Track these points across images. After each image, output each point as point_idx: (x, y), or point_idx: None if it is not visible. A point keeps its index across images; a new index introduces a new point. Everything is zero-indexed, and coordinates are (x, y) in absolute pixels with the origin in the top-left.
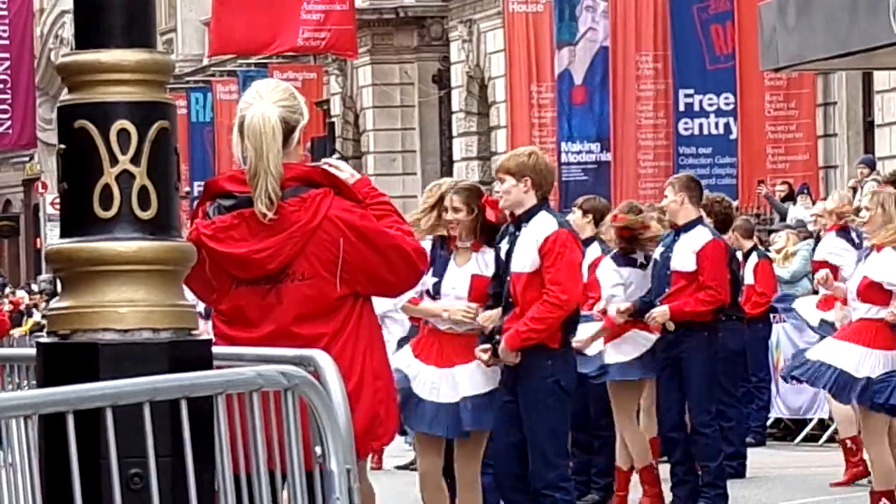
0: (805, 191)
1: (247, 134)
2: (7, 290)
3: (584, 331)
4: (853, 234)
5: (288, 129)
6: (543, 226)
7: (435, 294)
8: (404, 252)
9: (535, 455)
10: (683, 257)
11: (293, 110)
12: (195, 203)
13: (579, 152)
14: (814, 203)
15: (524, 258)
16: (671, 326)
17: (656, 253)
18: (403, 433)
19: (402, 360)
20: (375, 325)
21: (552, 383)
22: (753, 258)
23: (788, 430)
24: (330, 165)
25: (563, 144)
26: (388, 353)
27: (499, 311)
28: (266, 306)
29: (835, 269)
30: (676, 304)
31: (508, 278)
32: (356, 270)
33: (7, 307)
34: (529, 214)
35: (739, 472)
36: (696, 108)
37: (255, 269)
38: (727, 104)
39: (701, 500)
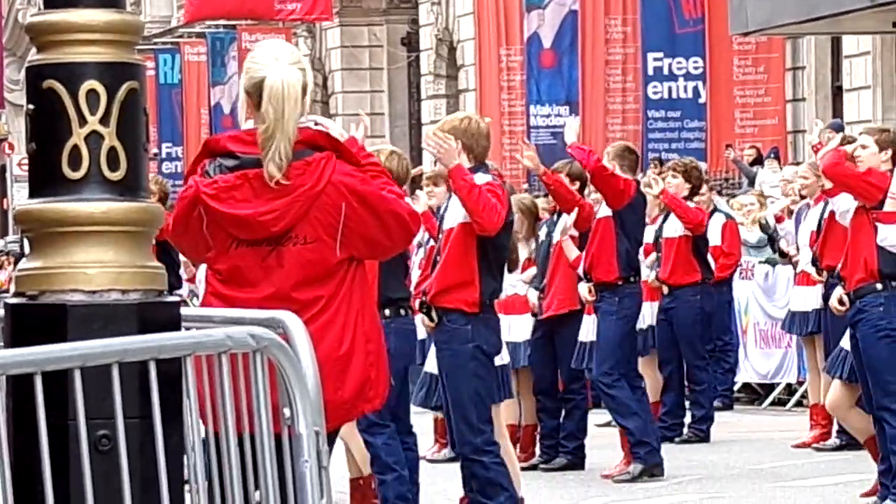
0: (773, 155)
1: (268, 97)
2: None
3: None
4: None
5: (303, 94)
6: (479, 180)
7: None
8: (401, 216)
9: (458, 421)
10: (601, 211)
11: (305, 75)
12: (190, 161)
13: (548, 115)
14: (781, 167)
15: (455, 213)
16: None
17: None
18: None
19: None
20: (367, 289)
21: (473, 348)
22: (720, 218)
23: (756, 395)
24: (317, 123)
25: (531, 108)
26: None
27: None
28: (266, 268)
29: None
30: None
31: (441, 236)
32: (355, 235)
33: None
34: None
35: (705, 436)
36: (665, 71)
37: (258, 231)
38: (696, 68)
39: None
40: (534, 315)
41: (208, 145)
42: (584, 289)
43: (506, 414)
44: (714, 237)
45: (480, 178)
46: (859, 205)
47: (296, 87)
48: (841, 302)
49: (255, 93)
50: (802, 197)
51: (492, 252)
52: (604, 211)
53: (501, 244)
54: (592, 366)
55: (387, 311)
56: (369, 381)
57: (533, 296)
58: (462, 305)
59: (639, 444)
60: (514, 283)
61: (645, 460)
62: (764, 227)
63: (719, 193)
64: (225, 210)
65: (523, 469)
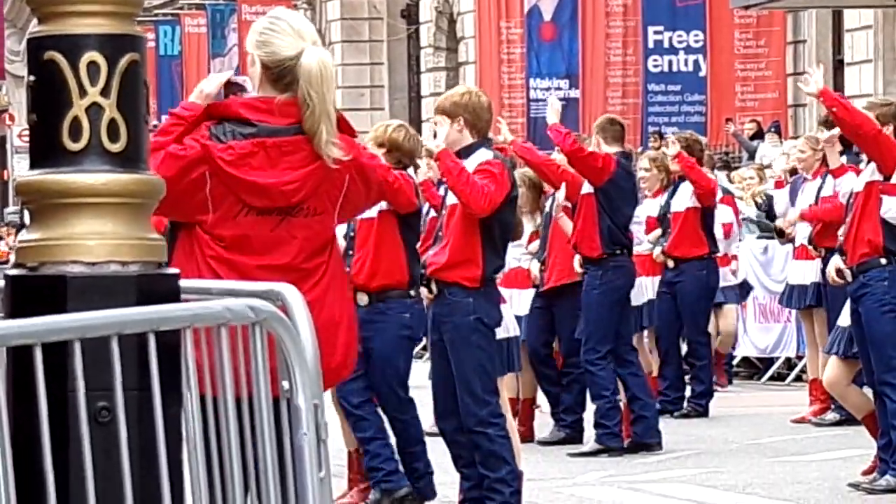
0: (774, 129)
1: (308, 80)
2: None
3: None
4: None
5: None
6: (480, 157)
7: None
8: (382, 187)
9: (464, 393)
10: (584, 188)
11: None
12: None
13: (548, 89)
14: (782, 141)
15: None
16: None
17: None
18: None
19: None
20: (340, 258)
21: (474, 321)
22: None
23: (755, 369)
24: (240, 83)
25: (531, 81)
26: None
27: None
28: (275, 237)
29: None
30: None
31: (444, 212)
32: (349, 205)
33: None
34: (468, 151)
35: (704, 411)
36: (666, 45)
37: (277, 200)
38: (696, 41)
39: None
40: (535, 287)
41: (218, 109)
42: (576, 262)
43: (507, 387)
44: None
45: (482, 155)
46: (868, 180)
47: (331, 67)
48: (839, 273)
49: (277, 69)
50: (793, 172)
51: (496, 229)
52: (586, 187)
53: (505, 221)
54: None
55: (412, 292)
56: (353, 346)
57: (535, 268)
58: (464, 281)
59: (598, 424)
60: (518, 257)
61: (601, 440)
62: (759, 206)
63: (721, 168)
64: (243, 177)
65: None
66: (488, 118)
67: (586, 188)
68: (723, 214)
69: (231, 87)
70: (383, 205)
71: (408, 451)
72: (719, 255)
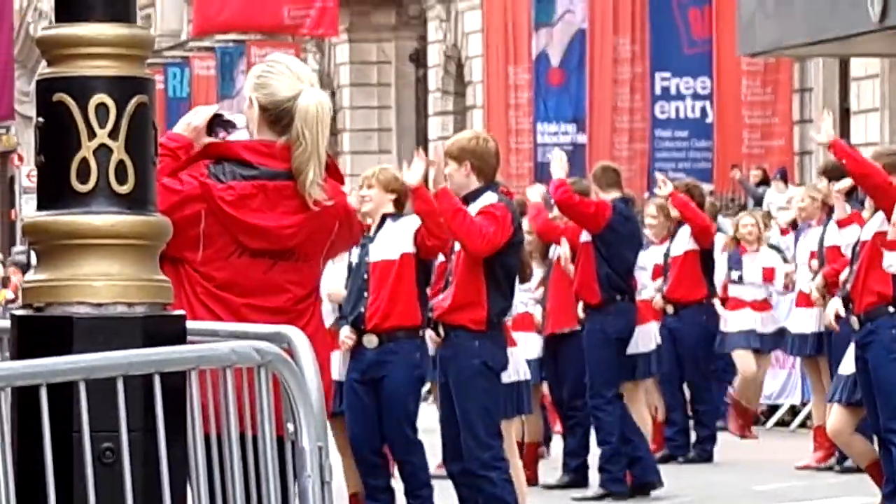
0: (780, 176)
1: (304, 120)
2: None
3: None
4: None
5: None
6: (485, 201)
7: None
8: (359, 232)
9: (467, 436)
10: (582, 235)
11: None
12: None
13: (555, 133)
14: (788, 188)
15: None
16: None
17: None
18: None
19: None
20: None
21: (479, 364)
22: (721, 239)
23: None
24: (228, 121)
25: (539, 125)
26: None
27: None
28: (267, 280)
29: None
30: None
31: (453, 256)
32: (333, 250)
33: None
34: (475, 195)
35: (709, 456)
36: (673, 91)
37: (274, 243)
38: (704, 88)
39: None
40: (538, 332)
41: (218, 149)
42: (579, 308)
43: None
44: (720, 260)
45: (488, 198)
46: (877, 230)
47: (328, 110)
48: (837, 317)
49: (275, 110)
50: (794, 226)
51: (499, 271)
52: (585, 235)
53: (509, 263)
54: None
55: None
56: (331, 389)
57: (538, 313)
58: (469, 324)
59: (602, 469)
60: (526, 301)
61: (605, 485)
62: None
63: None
64: (243, 218)
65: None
66: (495, 163)
67: (585, 236)
68: (767, 258)
69: (218, 122)
70: (407, 248)
71: (414, 495)
72: (759, 300)
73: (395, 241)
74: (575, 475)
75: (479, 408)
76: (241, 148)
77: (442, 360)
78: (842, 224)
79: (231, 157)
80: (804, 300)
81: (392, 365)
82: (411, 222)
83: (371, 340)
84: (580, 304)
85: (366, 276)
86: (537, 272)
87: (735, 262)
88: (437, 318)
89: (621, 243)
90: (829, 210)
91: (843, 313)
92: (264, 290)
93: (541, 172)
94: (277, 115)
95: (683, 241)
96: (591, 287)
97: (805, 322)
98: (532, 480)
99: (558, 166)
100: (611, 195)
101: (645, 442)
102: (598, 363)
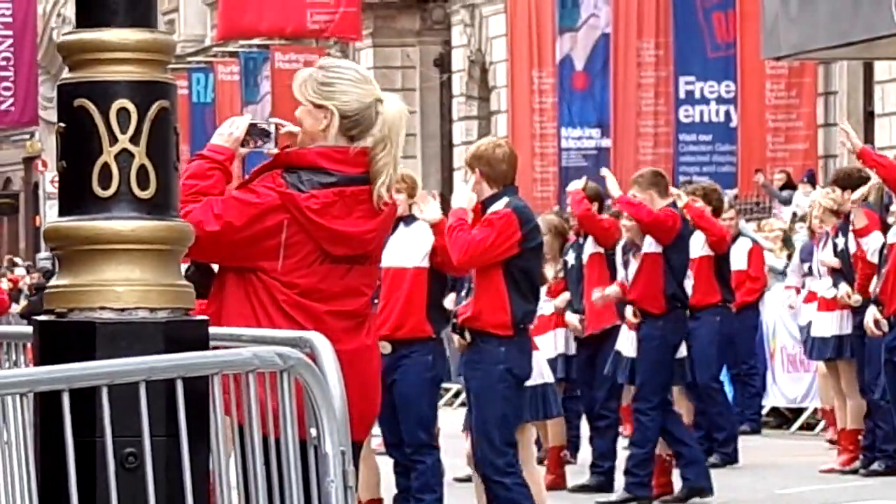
0: (808, 178)
1: (387, 126)
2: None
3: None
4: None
5: None
6: (494, 208)
7: None
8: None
9: (482, 441)
10: (647, 246)
11: None
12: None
13: (579, 138)
14: (814, 191)
15: None
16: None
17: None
18: None
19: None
20: None
21: (503, 370)
22: (746, 243)
23: (784, 419)
24: (279, 125)
25: (563, 130)
26: None
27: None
28: (345, 285)
29: None
30: None
31: None
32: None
33: (6, 285)
34: (490, 201)
35: (732, 459)
36: (697, 95)
37: (356, 248)
38: (728, 92)
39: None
40: (576, 339)
41: (286, 159)
42: (629, 311)
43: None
44: (740, 262)
45: (497, 206)
46: None
47: (405, 116)
48: (877, 323)
49: (354, 117)
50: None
51: (517, 274)
52: (651, 246)
53: (526, 267)
54: (619, 378)
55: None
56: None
57: (573, 318)
58: (495, 329)
59: (629, 472)
60: (541, 305)
61: (630, 489)
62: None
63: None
64: (329, 225)
65: (551, 489)
66: (505, 168)
67: (652, 246)
68: None
69: (253, 131)
70: (421, 262)
71: (418, 499)
72: None
73: (408, 250)
74: (603, 479)
75: (498, 414)
76: (317, 155)
77: (466, 364)
78: (861, 233)
79: (305, 166)
80: (824, 304)
81: (405, 368)
82: (423, 230)
83: (385, 346)
84: (630, 309)
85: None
86: (549, 273)
87: (808, 255)
88: (461, 323)
89: (685, 251)
90: (845, 217)
91: (880, 317)
92: (344, 295)
93: (565, 177)
94: (355, 122)
95: (698, 245)
96: (657, 298)
97: (826, 326)
98: (559, 484)
99: (613, 185)
100: (665, 202)
101: (698, 446)
102: (652, 369)
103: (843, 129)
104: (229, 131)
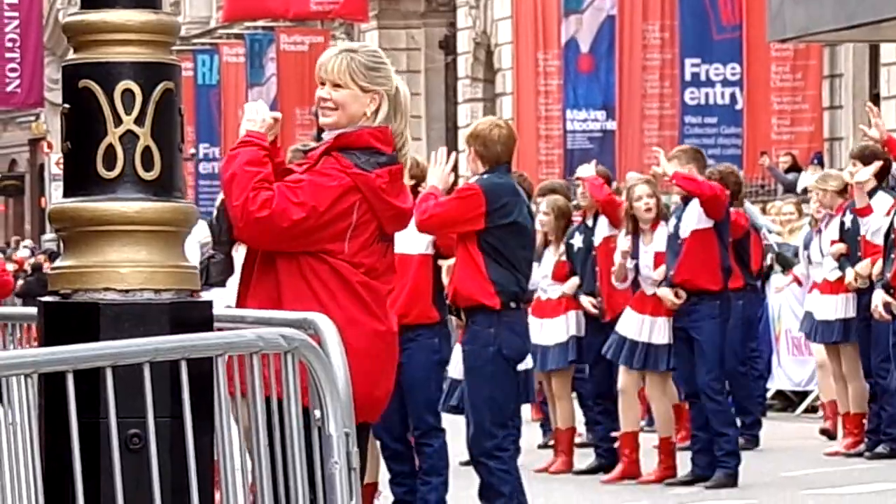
0: (816, 160)
1: (403, 106)
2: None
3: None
4: None
5: None
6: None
7: None
8: None
9: (472, 422)
10: (696, 222)
11: None
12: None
13: (585, 120)
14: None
15: None
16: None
17: (670, 225)
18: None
19: None
20: None
21: (494, 351)
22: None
23: (789, 402)
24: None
25: (568, 112)
26: None
27: None
28: (387, 263)
29: None
30: None
31: None
32: None
33: (11, 266)
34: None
35: (757, 443)
36: (703, 77)
37: (404, 225)
38: (733, 74)
39: (720, 469)
40: (595, 319)
41: (345, 140)
42: (668, 292)
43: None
44: None
45: (472, 181)
46: None
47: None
48: (887, 306)
49: (394, 99)
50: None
51: (489, 250)
52: (702, 222)
53: (497, 245)
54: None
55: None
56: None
57: (586, 301)
58: (479, 298)
59: (730, 454)
60: (546, 288)
61: (725, 473)
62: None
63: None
64: (396, 203)
65: (559, 472)
66: (500, 150)
67: (703, 223)
68: None
69: None
70: (425, 249)
71: (425, 481)
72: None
73: (413, 236)
74: (606, 460)
75: (487, 396)
76: (370, 136)
77: (462, 346)
78: (862, 213)
79: (362, 147)
80: (828, 287)
81: (411, 351)
82: None
83: None
84: (668, 289)
85: None
86: (551, 256)
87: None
88: (450, 301)
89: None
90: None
91: (892, 301)
92: (388, 272)
93: (571, 159)
94: (396, 105)
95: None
96: (715, 273)
97: (829, 309)
98: (569, 467)
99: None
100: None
101: (738, 435)
102: (716, 349)
103: (873, 117)
104: (261, 117)
